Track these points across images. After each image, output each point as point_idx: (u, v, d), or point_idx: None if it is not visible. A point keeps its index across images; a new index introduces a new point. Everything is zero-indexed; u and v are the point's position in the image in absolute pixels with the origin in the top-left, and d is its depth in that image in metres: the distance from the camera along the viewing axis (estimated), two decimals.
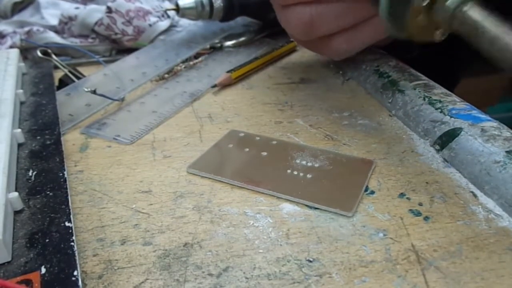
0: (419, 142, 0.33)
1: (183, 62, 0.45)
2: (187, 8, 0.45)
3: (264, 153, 0.31)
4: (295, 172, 0.29)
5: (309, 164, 0.30)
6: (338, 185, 0.28)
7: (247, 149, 0.32)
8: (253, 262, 0.22)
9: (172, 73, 0.44)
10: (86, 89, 0.36)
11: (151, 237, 0.24)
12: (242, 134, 0.34)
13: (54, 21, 0.50)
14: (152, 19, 0.50)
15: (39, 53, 0.43)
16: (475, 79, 1.19)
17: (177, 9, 0.45)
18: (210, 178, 0.29)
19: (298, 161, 0.30)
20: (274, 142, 0.32)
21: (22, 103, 0.35)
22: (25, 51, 0.46)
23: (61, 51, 0.47)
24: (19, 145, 0.30)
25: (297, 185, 0.27)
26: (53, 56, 0.43)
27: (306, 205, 0.26)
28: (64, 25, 0.50)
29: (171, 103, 0.39)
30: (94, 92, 0.36)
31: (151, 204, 0.26)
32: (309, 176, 0.28)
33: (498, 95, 1.21)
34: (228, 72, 0.43)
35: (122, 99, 0.38)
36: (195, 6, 0.46)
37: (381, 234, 0.24)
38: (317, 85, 0.43)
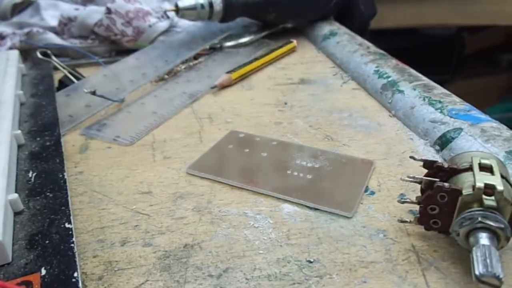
0: (419, 142, 0.33)
1: (182, 63, 0.45)
2: (186, 9, 0.45)
3: (264, 154, 0.31)
4: (295, 173, 0.29)
5: (309, 164, 0.30)
6: (338, 185, 0.27)
7: (247, 150, 0.32)
8: (253, 263, 0.22)
9: (171, 74, 0.44)
10: (86, 90, 0.36)
11: (151, 238, 0.24)
12: (242, 135, 0.34)
13: (54, 22, 0.50)
14: (152, 19, 0.50)
15: (39, 54, 0.43)
16: (474, 80, 1.19)
17: (177, 10, 0.45)
18: (210, 179, 0.29)
19: (298, 161, 0.30)
20: (274, 143, 0.32)
21: (22, 104, 0.35)
22: (25, 52, 0.46)
23: (60, 52, 0.47)
24: (19, 147, 0.30)
25: (297, 186, 0.27)
26: (53, 57, 0.43)
27: (306, 206, 0.26)
28: (64, 26, 0.50)
29: (171, 104, 0.39)
30: (94, 93, 0.36)
31: (151, 205, 0.26)
32: (309, 176, 0.28)
33: (497, 95, 1.21)
34: (228, 72, 0.43)
35: (122, 100, 0.38)
36: (195, 7, 0.46)
37: (381, 235, 0.24)
38: (317, 86, 0.43)
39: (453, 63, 1.21)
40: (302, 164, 0.30)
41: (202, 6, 0.46)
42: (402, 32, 1.04)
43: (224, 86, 0.42)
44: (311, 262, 0.22)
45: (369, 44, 0.48)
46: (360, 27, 0.56)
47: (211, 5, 0.46)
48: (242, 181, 0.28)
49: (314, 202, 0.26)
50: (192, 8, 0.46)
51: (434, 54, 1.15)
